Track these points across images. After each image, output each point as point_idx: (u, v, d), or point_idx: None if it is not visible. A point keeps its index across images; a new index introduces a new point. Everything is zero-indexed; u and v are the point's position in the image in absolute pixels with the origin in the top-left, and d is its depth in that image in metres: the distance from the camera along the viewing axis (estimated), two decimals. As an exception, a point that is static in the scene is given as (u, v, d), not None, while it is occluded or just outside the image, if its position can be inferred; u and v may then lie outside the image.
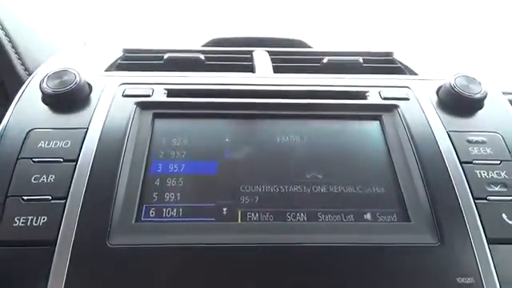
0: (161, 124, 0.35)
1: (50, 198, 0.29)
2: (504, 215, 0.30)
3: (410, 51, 0.50)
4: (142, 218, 0.29)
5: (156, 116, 0.36)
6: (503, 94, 0.40)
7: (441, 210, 0.30)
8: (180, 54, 0.45)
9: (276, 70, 0.44)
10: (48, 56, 0.46)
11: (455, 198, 0.30)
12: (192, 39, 0.58)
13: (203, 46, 0.53)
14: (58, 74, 0.36)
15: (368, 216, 0.31)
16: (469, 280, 0.27)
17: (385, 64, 0.47)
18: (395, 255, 0.28)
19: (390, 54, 0.49)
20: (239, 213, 0.30)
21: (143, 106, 0.36)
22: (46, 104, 0.36)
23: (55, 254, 0.27)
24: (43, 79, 0.36)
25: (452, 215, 0.30)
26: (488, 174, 0.32)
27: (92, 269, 0.27)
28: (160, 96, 0.37)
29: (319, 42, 0.57)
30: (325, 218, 0.30)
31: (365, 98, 0.38)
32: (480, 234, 0.29)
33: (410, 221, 0.30)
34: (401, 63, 0.48)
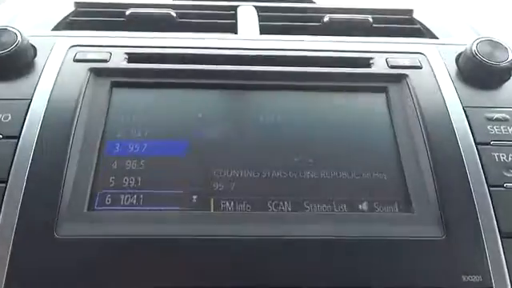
0: (120, 95, 0.37)
1: None
2: None
3: (437, 9, 0.52)
4: (96, 206, 0.32)
5: (114, 85, 0.38)
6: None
7: (449, 199, 0.32)
8: (146, 10, 0.47)
9: (263, 30, 0.46)
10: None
11: (467, 184, 0.33)
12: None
13: (176, -1, 0.55)
14: None
15: (364, 206, 0.33)
16: (475, 278, 0.30)
17: (400, 24, 0.49)
18: (392, 250, 0.31)
19: (408, 12, 0.51)
20: (211, 201, 0.32)
21: (99, 73, 0.38)
22: None
23: None
24: None
25: (461, 205, 0.32)
26: (508, 158, 0.34)
27: (37, 262, 0.29)
28: (119, 61, 0.39)
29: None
30: (313, 207, 0.33)
31: (368, 65, 0.40)
32: (493, 226, 0.31)
33: (412, 211, 0.32)
34: (421, 24, 0.50)
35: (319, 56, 0.41)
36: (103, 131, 0.35)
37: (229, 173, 0.34)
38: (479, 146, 0.35)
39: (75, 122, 0.34)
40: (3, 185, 0.31)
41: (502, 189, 0.33)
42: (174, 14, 0.46)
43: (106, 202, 0.32)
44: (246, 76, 0.39)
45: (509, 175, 0.33)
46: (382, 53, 0.41)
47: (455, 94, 0.38)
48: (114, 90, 0.37)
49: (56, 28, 0.44)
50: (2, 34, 0.38)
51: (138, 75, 0.38)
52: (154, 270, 0.30)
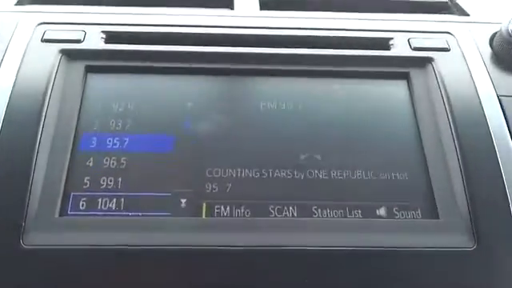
0: (96, 81, 0.37)
1: None
2: None
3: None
4: (69, 211, 0.32)
5: (89, 70, 0.37)
6: None
7: (480, 204, 0.32)
8: None
9: (264, 5, 0.45)
10: None
11: (501, 186, 0.32)
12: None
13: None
14: None
15: (382, 211, 0.33)
16: None
17: None
18: (415, 262, 0.31)
19: None
20: (204, 205, 0.32)
21: (71, 56, 0.37)
22: None
23: None
24: None
25: (495, 210, 0.32)
26: None
27: (2, 276, 0.29)
28: (95, 42, 0.38)
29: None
30: (322, 213, 0.32)
31: (387, 47, 0.40)
32: None
33: (438, 217, 0.32)
34: None
35: (329, 36, 0.40)
36: (77, 123, 0.35)
37: (224, 172, 0.33)
38: None
39: (44, 114, 0.34)
40: None
41: None
42: None
43: (81, 207, 0.32)
44: (243, 59, 0.38)
45: None
46: (404, 32, 0.41)
47: (489, 81, 0.37)
48: (89, 75, 0.37)
49: (20, 2, 0.44)
50: None
51: (117, 58, 0.38)
52: (134, 286, 0.29)
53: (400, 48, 0.40)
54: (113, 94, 0.36)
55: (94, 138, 0.34)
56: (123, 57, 0.38)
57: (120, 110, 0.36)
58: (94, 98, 0.36)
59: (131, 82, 0.37)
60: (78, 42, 0.38)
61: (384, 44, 0.40)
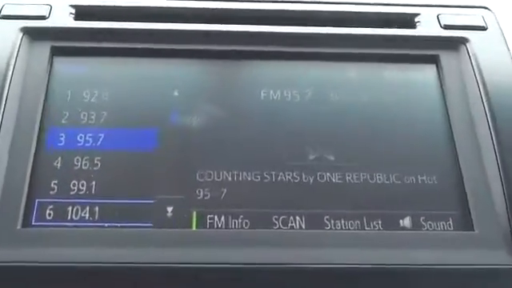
0: (64, 66, 0.37)
1: None
2: None
3: None
4: (34, 222, 0.31)
5: (56, 52, 0.37)
6: None
7: None
8: None
9: None
10: None
11: None
12: None
13: None
14: None
15: (406, 222, 0.33)
16: None
17: None
18: (446, 281, 0.30)
19: None
20: (194, 215, 0.32)
21: (35, 35, 0.37)
22: None
23: None
24: None
25: None
26: None
27: None
28: (63, 18, 0.38)
29: None
30: (336, 224, 0.32)
31: (413, 25, 0.40)
32: None
33: (472, 229, 0.32)
34: None
35: (342, 11, 0.41)
36: (42, 117, 0.35)
37: (218, 175, 0.33)
38: None
39: (3, 105, 0.34)
40: None
41: None
42: None
43: (47, 216, 0.32)
44: (240, 39, 0.38)
45: None
46: (432, 7, 0.41)
47: None
48: (56, 58, 0.37)
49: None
50: None
51: (89, 38, 0.38)
52: None
53: (428, 26, 0.40)
54: (84, 80, 0.36)
55: (63, 134, 0.34)
56: (96, 36, 0.38)
57: (93, 100, 0.36)
58: (61, 86, 0.36)
59: (106, 67, 0.37)
60: (43, 18, 0.38)
61: (409, 21, 0.40)
